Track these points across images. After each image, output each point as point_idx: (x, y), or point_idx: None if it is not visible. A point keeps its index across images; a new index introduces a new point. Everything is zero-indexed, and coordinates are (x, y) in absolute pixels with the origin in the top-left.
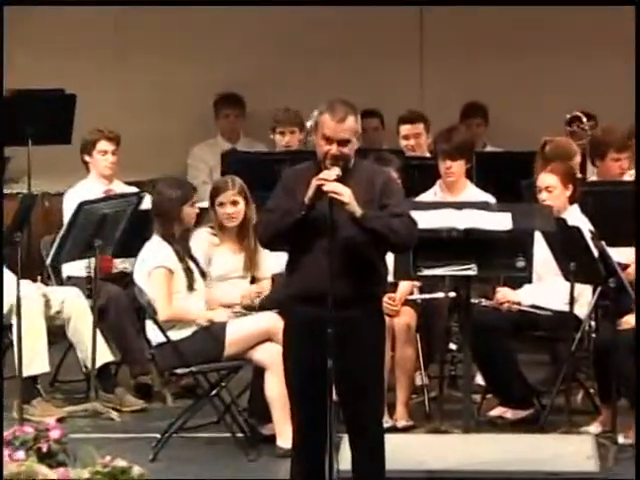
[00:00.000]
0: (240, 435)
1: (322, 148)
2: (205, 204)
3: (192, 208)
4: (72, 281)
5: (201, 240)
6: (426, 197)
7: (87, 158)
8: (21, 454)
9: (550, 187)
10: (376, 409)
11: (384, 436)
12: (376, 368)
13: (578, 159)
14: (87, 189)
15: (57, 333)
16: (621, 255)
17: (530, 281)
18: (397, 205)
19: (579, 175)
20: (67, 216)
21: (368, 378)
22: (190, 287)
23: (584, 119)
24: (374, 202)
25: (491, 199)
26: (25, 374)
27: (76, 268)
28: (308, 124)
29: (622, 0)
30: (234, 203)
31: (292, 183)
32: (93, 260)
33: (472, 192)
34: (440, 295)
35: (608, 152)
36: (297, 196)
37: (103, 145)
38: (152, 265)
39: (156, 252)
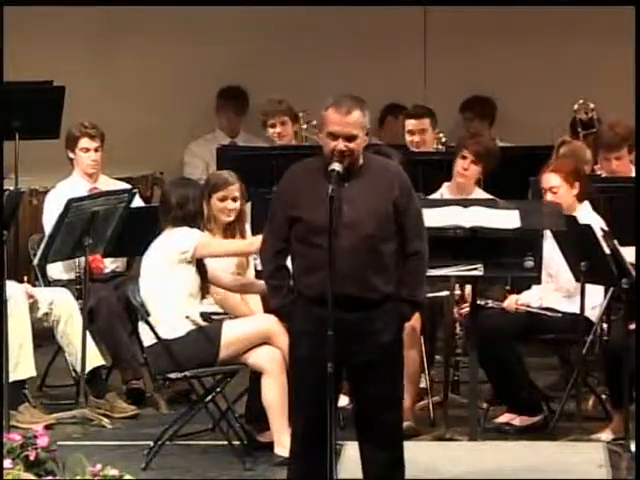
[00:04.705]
0: (236, 443)
1: (328, 146)
2: None
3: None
4: (58, 284)
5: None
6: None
7: (71, 155)
8: (7, 463)
9: (554, 188)
10: (395, 416)
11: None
12: (395, 369)
13: (589, 167)
14: (70, 189)
15: (45, 336)
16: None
17: (539, 282)
18: (412, 227)
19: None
20: (47, 218)
21: (386, 381)
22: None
23: (591, 105)
24: (389, 202)
25: None
26: (11, 379)
27: (61, 271)
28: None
29: (622, 0)
30: (234, 199)
31: (296, 190)
32: (82, 260)
33: (480, 196)
34: (445, 293)
35: (600, 150)
36: (301, 200)
37: (85, 142)
38: (194, 239)
39: (188, 232)
